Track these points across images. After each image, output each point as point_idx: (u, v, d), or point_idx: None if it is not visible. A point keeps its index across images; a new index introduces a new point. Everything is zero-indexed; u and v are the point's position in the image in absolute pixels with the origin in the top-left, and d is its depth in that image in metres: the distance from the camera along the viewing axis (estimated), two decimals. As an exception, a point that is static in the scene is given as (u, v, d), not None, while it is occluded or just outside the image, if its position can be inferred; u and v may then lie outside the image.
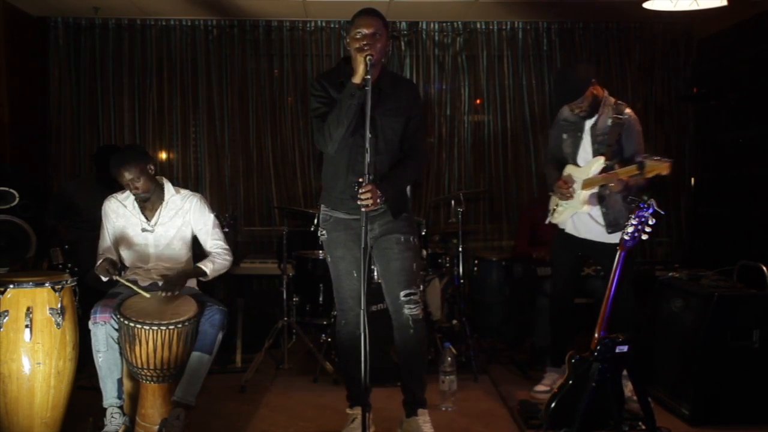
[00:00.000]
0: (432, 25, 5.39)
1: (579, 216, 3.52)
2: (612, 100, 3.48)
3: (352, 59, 2.87)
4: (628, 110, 3.44)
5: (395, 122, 2.89)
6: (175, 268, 3.26)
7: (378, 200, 2.72)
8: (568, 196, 3.46)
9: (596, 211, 3.47)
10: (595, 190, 3.41)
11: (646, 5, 3.81)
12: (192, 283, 3.26)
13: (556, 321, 3.71)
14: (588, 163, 3.44)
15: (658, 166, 3.05)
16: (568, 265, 3.65)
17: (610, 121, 3.42)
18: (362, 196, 2.63)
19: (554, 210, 3.64)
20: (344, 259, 2.96)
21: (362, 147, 2.75)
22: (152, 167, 3.19)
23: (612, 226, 3.43)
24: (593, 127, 3.46)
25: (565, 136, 3.56)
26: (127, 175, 3.10)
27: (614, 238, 3.43)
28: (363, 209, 2.62)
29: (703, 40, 5.42)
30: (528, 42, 5.41)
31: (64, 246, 4.04)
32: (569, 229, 3.59)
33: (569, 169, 3.54)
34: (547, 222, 3.72)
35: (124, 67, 5.27)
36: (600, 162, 3.37)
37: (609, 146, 3.40)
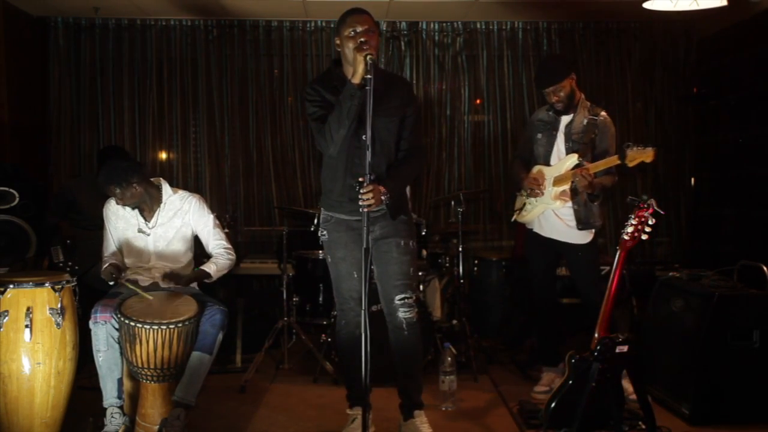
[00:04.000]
0: (432, 25, 5.39)
1: (545, 215, 3.57)
2: (588, 103, 3.56)
3: (343, 60, 2.87)
4: (603, 113, 3.52)
5: (390, 122, 2.88)
6: (176, 267, 3.27)
7: (383, 198, 2.72)
8: (538, 193, 3.51)
9: (564, 210, 3.52)
10: (567, 186, 3.46)
11: (646, 5, 3.81)
12: (193, 282, 3.26)
13: (541, 321, 3.76)
14: (561, 161, 3.50)
15: (641, 154, 3.14)
16: (542, 263, 3.69)
17: (585, 121, 3.50)
18: (364, 196, 2.61)
19: (521, 209, 3.68)
20: (345, 260, 2.95)
21: (359, 149, 2.75)
22: (135, 184, 3.15)
23: (582, 223, 3.50)
24: (568, 126, 3.52)
25: (539, 135, 3.61)
26: (114, 191, 3.15)
27: (578, 237, 3.52)
28: (365, 209, 2.60)
29: (703, 40, 5.42)
30: (528, 42, 5.41)
31: (65, 243, 4.04)
32: (536, 228, 3.64)
33: (540, 168, 3.59)
34: (512, 220, 3.78)
35: (124, 67, 5.27)
36: (573, 159, 3.43)
37: (584, 144, 3.46)
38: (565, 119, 3.54)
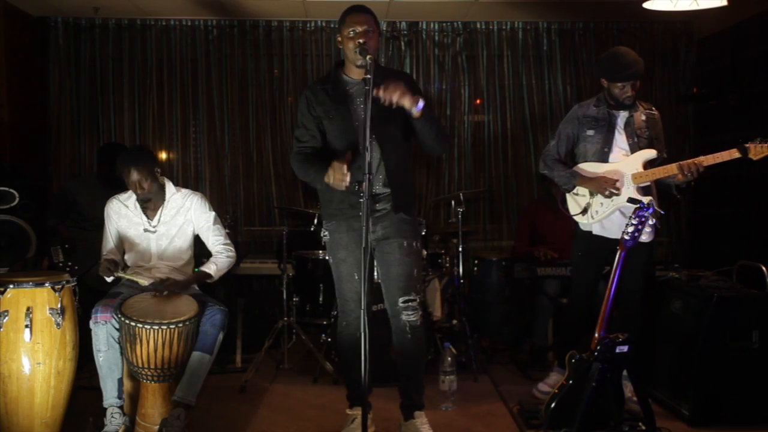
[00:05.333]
0: (432, 25, 5.39)
1: (611, 216, 3.42)
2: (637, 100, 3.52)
3: (345, 59, 2.88)
4: (654, 108, 3.49)
5: (395, 116, 2.81)
6: (176, 267, 3.27)
7: (420, 102, 2.67)
8: (616, 192, 3.35)
9: (629, 209, 3.40)
10: (649, 182, 3.36)
11: (646, 5, 3.82)
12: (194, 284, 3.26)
13: (574, 325, 3.60)
14: (633, 156, 3.38)
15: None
16: (594, 268, 3.54)
17: (644, 117, 3.44)
18: (391, 86, 2.60)
19: (586, 210, 3.48)
20: (346, 261, 2.95)
21: (356, 159, 2.78)
22: (158, 170, 3.22)
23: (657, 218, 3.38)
24: (628, 122, 3.43)
25: (591, 132, 3.47)
26: (135, 176, 3.11)
27: (647, 236, 3.27)
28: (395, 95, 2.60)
29: (703, 40, 5.42)
30: (528, 42, 5.41)
31: (64, 245, 4.04)
32: (597, 230, 3.47)
33: (602, 166, 3.43)
34: (586, 223, 3.51)
35: (124, 67, 5.27)
36: (652, 153, 3.36)
37: (655, 139, 3.40)
38: (622, 115, 3.44)
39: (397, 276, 2.93)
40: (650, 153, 3.37)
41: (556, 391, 2.90)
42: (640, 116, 3.45)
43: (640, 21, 5.33)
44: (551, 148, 3.61)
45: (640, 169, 3.35)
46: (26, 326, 2.81)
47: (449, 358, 3.56)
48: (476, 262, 4.94)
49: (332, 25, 5.31)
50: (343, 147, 2.86)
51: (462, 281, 4.48)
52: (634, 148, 3.41)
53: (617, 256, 2.93)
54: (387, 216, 2.92)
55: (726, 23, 5.03)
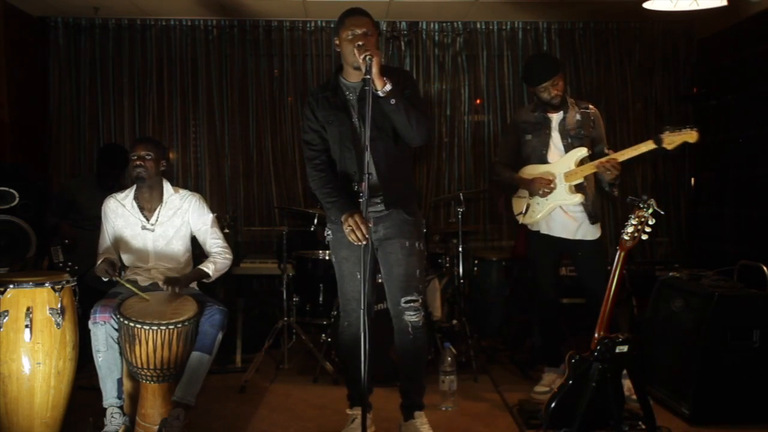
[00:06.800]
0: (432, 25, 5.39)
1: (552, 214, 3.54)
2: (572, 99, 3.59)
3: (343, 61, 2.88)
4: (590, 105, 3.55)
5: (387, 117, 2.80)
6: (175, 268, 3.27)
7: (386, 82, 2.65)
8: (549, 191, 3.47)
9: (572, 207, 3.51)
10: (581, 180, 3.45)
11: (646, 5, 3.82)
12: (192, 283, 3.26)
13: (546, 323, 3.74)
14: (566, 156, 3.49)
15: (681, 136, 3.17)
16: (549, 266, 3.66)
17: (579, 116, 3.51)
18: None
19: (526, 210, 3.61)
20: (348, 260, 2.95)
21: (352, 161, 2.80)
22: (164, 163, 3.25)
23: (593, 216, 3.50)
24: (562, 123, 3.52)
25: (528, 137, 3.60)
26: (142, 150, 3.16)
27: (590, 234, 3.52)
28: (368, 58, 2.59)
29: (703, 40, 5.42)
30: (528, 42, 5.40)
31: (65, 242, 4.04)
32: (544, 229, 3.60)
33: (539, 168, 3.55)
34: (520, 222, 3.67)
35: (124, 67, 5.27)
36: (582, 152, 3.44)
37: (587, 137, 3.48)
38: (556, 117, 3.54)
39: (398, 276, 2.93)
40: (581, 151, 3.44)
41: (556, 390, 2.90)
42: (573, 116, 3.51)
43: (640, 21, 5.33)
44: (499, 156, 3.84)
45: (573, 168, 3.45)
46: (26, 326, 2.82)
47: (449, 358, 3.56)
48: (476, 262, 4.94)
49: (332, 25, 5.30)
50: (341, 151, 2.88)
51: (462, 281, 4.48)
52: (568, 148, 3.50)
53: (617, 256, 2.93)
54: (389, 216, 2.92)
55: (726, 23, 5.03)
